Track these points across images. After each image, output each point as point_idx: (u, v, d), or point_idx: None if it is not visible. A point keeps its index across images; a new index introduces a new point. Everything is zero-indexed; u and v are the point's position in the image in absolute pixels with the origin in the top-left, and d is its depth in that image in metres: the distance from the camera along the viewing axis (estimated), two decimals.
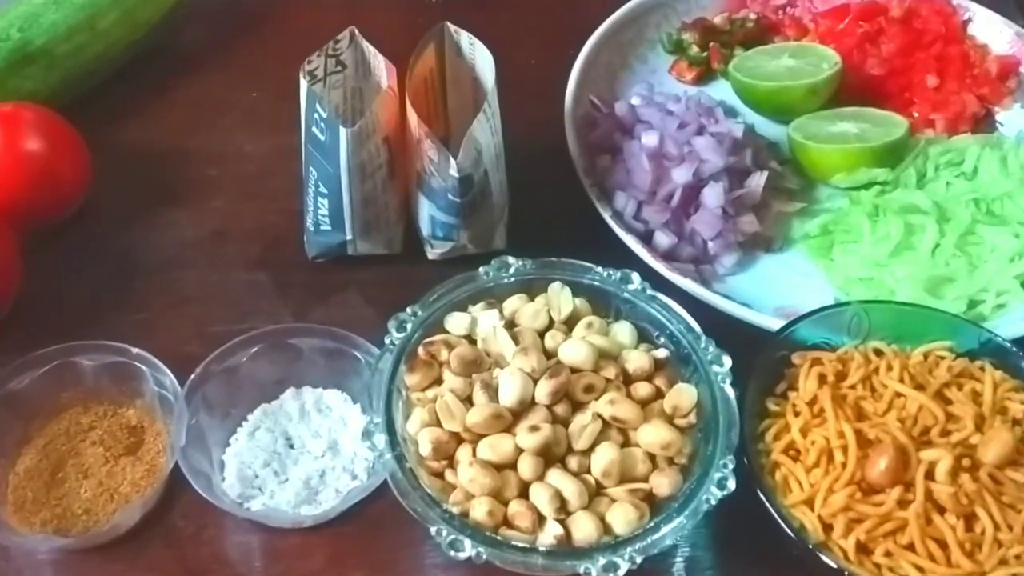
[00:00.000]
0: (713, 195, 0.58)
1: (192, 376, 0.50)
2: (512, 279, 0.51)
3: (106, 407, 0.53)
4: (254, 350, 0.52)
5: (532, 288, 0.51)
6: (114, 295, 0.58)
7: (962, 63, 0.69)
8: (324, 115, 0.52)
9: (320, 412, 0.53)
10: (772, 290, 0.58)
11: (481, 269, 0.51)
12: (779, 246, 0.61)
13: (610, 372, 0.47)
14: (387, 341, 0.48)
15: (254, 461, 0.51)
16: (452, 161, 0.52)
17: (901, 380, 0.48)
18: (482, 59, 0.56)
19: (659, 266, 0.56)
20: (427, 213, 0.57)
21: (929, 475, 0.44)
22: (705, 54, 0.70)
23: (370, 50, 0.56)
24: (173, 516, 0.50)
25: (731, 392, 0.47)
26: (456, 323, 0.49)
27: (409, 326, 0.49)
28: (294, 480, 0.50)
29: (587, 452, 0.45)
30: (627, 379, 0.48)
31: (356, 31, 0.56)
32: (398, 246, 0.59)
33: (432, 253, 0.59)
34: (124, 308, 0.58)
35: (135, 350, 0.52)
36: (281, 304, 0.59)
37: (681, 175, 0.58)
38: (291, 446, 0.52)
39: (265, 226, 0.62)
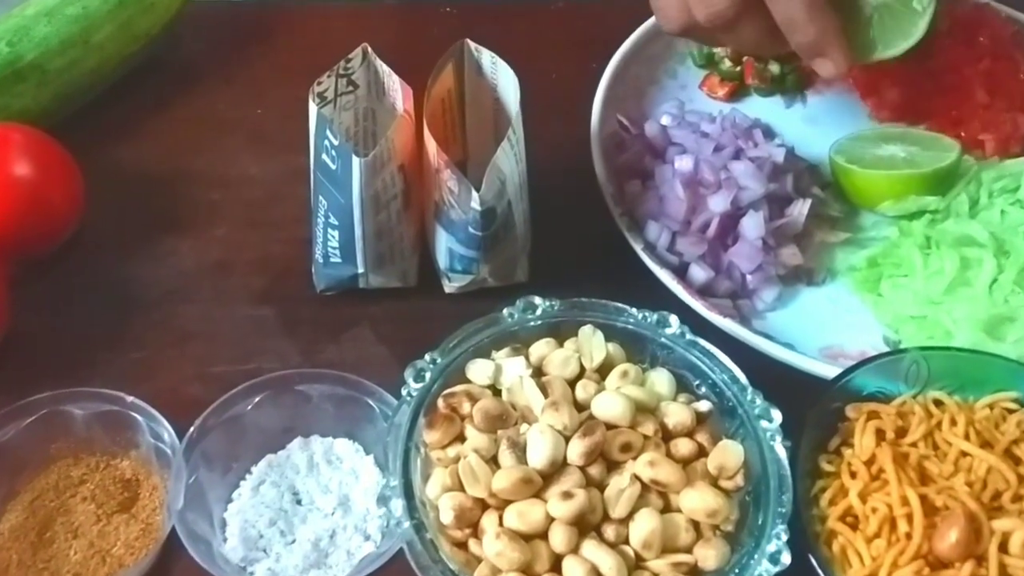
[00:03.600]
0: (753, 225, 0.54)
1: (191, 429, 0.46)
2: (539, 322, 0.47)
3: (99, 458, 0.49)
4: (258, 399, 0.48)
5: (560, 331, 0.47)
6: (109, 332, 0.54)
7: (1013, 80, 0.65)
8: (335, 142, 0.48)
9: (330, 464, 0.49)
10: (816, 327, 0.54)
11: (505, 311, 0.47)
12: (822, 279, 0.57)
13: (648, 428, 0.43)
14: (404, 392, 0.44)
15: (259, 520, 0.47)
16: (474, 193, 0.48)
17: (967, 436, 0.44)
18: (505, 80, 0.52)
19: (696, 304, 0.52)
20: (445, 245, 0.53)
21: (1003, 547, 0.40)
22: (739, 68, 0.66)
23: (384, 69, 0.52)
24: None
25: (782, 451, 0.43)
26: (479, 371, 0.45)
27: (428, 375, 0.45)
28: (302, 541, 0.46)
29: (625, 520, 0.41)
30: (666, 434, 0.44)
31: (369, 48, 0.52)
32: (413, 279, 0.55)
33: (450, 287, 0.55)
34: (120, 346, 0.54)
35: (130, 398, 0.48)
36: (288, 342, 0.54)
37: (718, 203, 0.54)
38: (299, 502, 0.48)
39: (271, 256, 0.58)
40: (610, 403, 0.43)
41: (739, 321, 0.52)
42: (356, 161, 0.48)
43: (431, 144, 0.49)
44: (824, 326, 0.54)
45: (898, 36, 0.54)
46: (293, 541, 0.46)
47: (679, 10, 0.52)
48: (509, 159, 0.49)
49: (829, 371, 0.48)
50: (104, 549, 0.46)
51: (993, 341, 0.51)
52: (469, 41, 0.53)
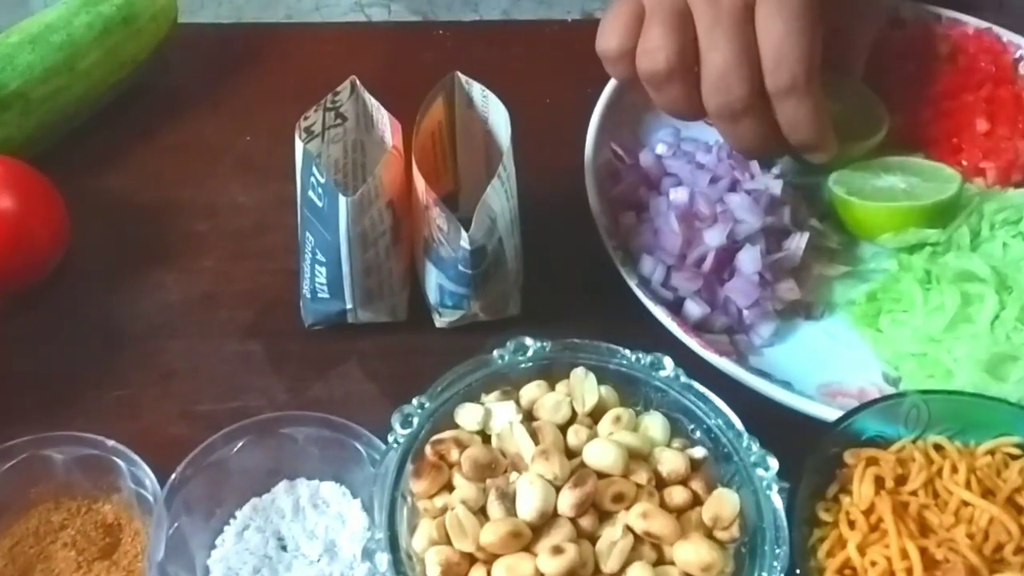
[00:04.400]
0: (749, 260, 0.53)
1: (173, 476, 0.45)
2: (529, 363, 0.46)
3: (79, 502, 0.48)
4: (242, 443, 0.47)
5: (552, 373, 0.46)
6: (93, 369, 0.53)
7: (1014, 106, 0.64)
8: (322, 180, 0.47)
9: (316, 508, 0.48)
10: (814, 363, 0.53)
11: (495, 352, 0.46)
12: (820, 313, 0.56)
13: (641, 476, 0.42)
14: (391, 439, 0.43)
15: (242, 567, 0.45)
16: (463, 233, 0.47)
17: (968, 485, 0.42)
18: (496, 114, 0.51)
19: (691, 341, 0.51)
20: (435, 281, 0.52)
21: None
22: None
23: (372, 103, 0.51)
24: None
25: (778, 501, 0.42)
26: (468, 416, 0.44)
27: (415, 420, 0.43)
28: None
29: (617, 574, 0.40)
30: (660, 482, 0.43)
31: (357, 81, 0.51)
32: (403, 314, 0.54)
33: (440, 321, 0.54)
34: (103, 384, 0.53)
35: (110, 442, 0.46)
36: (275, 379, 0.53)
37: (714, 237, 0.53)
38: (284, 548, 0.47)
39: (259, 288, 0.57)
40: (602, 451, 0.42)
41: (735, 358, 0.51)
42: (343, 200, 0.47)
43: (420, 182, 0.48)
44: (823, 362, 0.53)
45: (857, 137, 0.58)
46: None
47: (687, 101, 0.52)
48: (500, 196, 0.48)
49: (827, 412, 0.47)
50: None
51: (995, 381, 0.50)
52: (459, 74, 0.52)
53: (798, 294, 0.54)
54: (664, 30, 0.50)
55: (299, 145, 0.48)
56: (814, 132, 0.52)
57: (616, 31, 0.52)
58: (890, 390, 0.52)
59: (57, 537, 0.47)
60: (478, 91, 0.52)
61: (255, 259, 0.59)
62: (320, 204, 0.48)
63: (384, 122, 0.51)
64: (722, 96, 0.50)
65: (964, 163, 0.62)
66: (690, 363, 0.47)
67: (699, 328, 0.53)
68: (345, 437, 0.47)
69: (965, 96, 0.64)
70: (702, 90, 0.51)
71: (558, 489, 0.41)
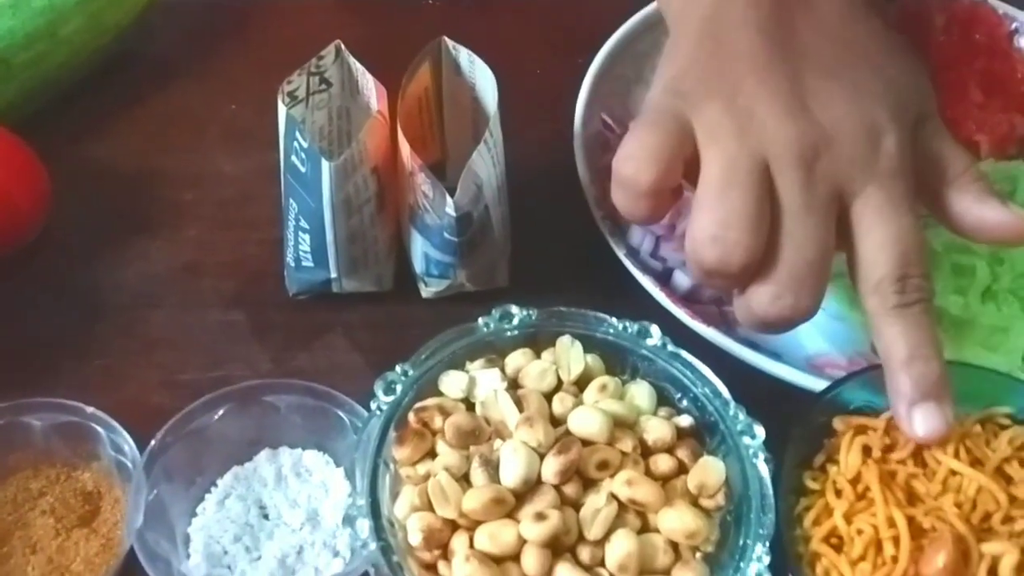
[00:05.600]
0: None
1: (152, 443, 0.45)
2: (515, 331, 0.45)
3: (59, 470, 0.47)
4: (223, 410, 0.46)
5: (538, 341, 0.46)
6: (73, 338, 0.53)
7: (1009, 79, 0.63)
8: (305, 145, 0.46)
9: (299, 477, 0.47)
10: (803, 335, 0.52)
11: (481, 320, 0.45)
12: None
13: (627, 444, 0.42)
14: (374, 406, 0.42)
15: (223, 535, 0.45)
16: (449, 199, 0.46)
17: (956, 454, 0.42)
18: (483, 79, 0.50)
19: (679, 311, 0.50)
20: (421, 250, 0.51)
21: (992, 572, 0.39)
22: None
23: (358, 67, 0.50)
24: None
25: (765, 469, 0.41)
26: (452, 384, 0.44)
27: (399, 388, 0.43)
28: (268, 558, 0.44)
29: (601, 541, 0.39)
30: (645, 450, 0.42)
31: (342, 46, 0.50)
32: (388, 283, 0.54)
33: (426, 291, 0.53)
34: (84, 353, 0.52)
35: (90, 409, 0.46)
36: (259, 349, 0.53)
37: None
38: (265, 517, 0.46)
39: (243, 258, 0.56)
40: (587, 419, 0.41)
41: (724, 329, 0.50)
42: (326, 165, 0.46)
43: (405, 147, 0.48)
44: (811, 333, 0.53)
45: None
46: (259, 558, 0.45)
47: (730, 290, 0.43)
48: (486, 162, 0.47)
49: (815, 383, 0.47)
50: (63, 565, 0.44)
51: (986, 352, 0.49)
52: (446, 39, 0.51)
53: None
54: (747, 210, 0.38)
55: (282, 110, 0.47)
56: (935, 354, 0.41)
57: (657, 160, 0.40)
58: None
59: (35, 504, 0.46)
60: (465, 57, 0.51)
61: (239, 229, 0.58)
62: (303, 170, 0.47)
63: (369, 87, 0.50)
64: (790, 301, 0.39)
65: (957, 136, 0.61)
66: (678, 335, 0.46)
67: (688, 299, 0.52)
68: (328, 405, 0.47)
69: (959, 69, 0.63)
70: (764, 286, 0.40)
71: (542, 457, 0.40)
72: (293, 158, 0.47)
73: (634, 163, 0.41)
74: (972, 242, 0.46)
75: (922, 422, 0.40)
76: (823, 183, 0.40)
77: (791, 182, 0.40)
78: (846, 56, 0.44)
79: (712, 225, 0.39)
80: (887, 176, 0.41)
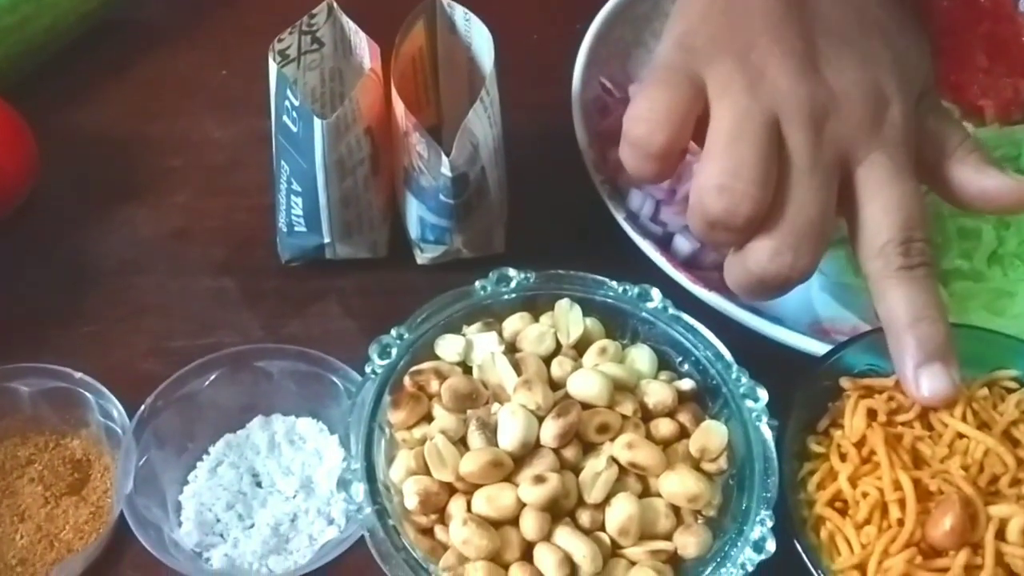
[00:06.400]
0: None
1: (142, 407, 0.44)
2: (513, 295, 0.44)
3: (47, 437, 0.46)
4: (214, 375, 0.45)
5: (536, 305, 0.45)
6: (60, 305, 0.51)
7: (1013, 44, 0.62)
8: (296, 103, 0.45)
9: (292, 444, 0.46)
10: (805, 301, 0.52)
11: (477, 283, 0.44)
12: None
13: (627, 407, 0.41)
14: (368, 369, 0.41)
15: (215, 503, 0.44)
16: (444, 159, 0.45)
17: (963, 417, 0.41)
18: (479, 38, 0.49)
19: (680, 276, 0.49)
20: (416, 214, 0.50)
21: (1000, 534, 0.38)
22: None
23: (350, 26, 0.49)
24: (123, 567, 0.43)
25: (768, 432, 0.40)
26: (448, 347, 0.43)
27: (394, 351, 0.42)
28: (261, 526, 0.44)
29: (601, 505, 0.39)
30: (646, 414, 0.42)
31: (335, 3, 0.49)
32: (383, 249, 0.53)
33: (422, 258, 0.52)
34: (72, 320, 0.51)
35: (78, 374, 0.45)
36: (250, 315, 0.52)
37: None
38: (258, 484, 0.45)
39: (233, 225, 0.55)
40: (587, 382, 0.41)
41: (725, 294, 0.49)
42: (318, 123, 0.45)
43: (399, 105, 0.46)
44: (814, 300, 0.52)
45: None
46: (252, 525, 0.44)
47: (733, 245, 0.41)
48: (482, 121, 0.46)
49: (819, 348, 0.46)
50: (52, 533, 0.43)
51: (992, 316, 0.48)
52: None
53: None
54: (756, 162, 0.38)
55: (273, 68, 0.46)
56: (940, 316, 0.40)
57: (670, 121, 0.39)
58: None
59: (24, 472, 0.45)
60: (460, 14, 0.50)
61: (229, 195, 0.57)
62: (295, 129, 0.46)
63: (363, 46, 0.49)
64: (789, 258, 0.39)
65: (962, 101, 0.60)
66: (679, 301, 0.45)
67: (689, 264, 0.51)
68: (322, 371, 0.46)
69: (964, 33, 0.62)
70: (764, 241, 0.39)
71: (541, 420, 0.39)
72: (285, 118, 0.46)
73: (646, 124, 0.40)
74: (975, 213, 0.46)
75: (928, 384, 0.40)
76: (830, 145, 0.40)
77: (800, 140, 0.39)
78: (858, 23, 0.43)
79: (721, 175, 0.38)
80: (892, 144, 0.41)
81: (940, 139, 0.44)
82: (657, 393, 0.41)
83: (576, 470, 0.39)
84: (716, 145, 0.39)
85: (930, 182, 0.44)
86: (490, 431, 0.39)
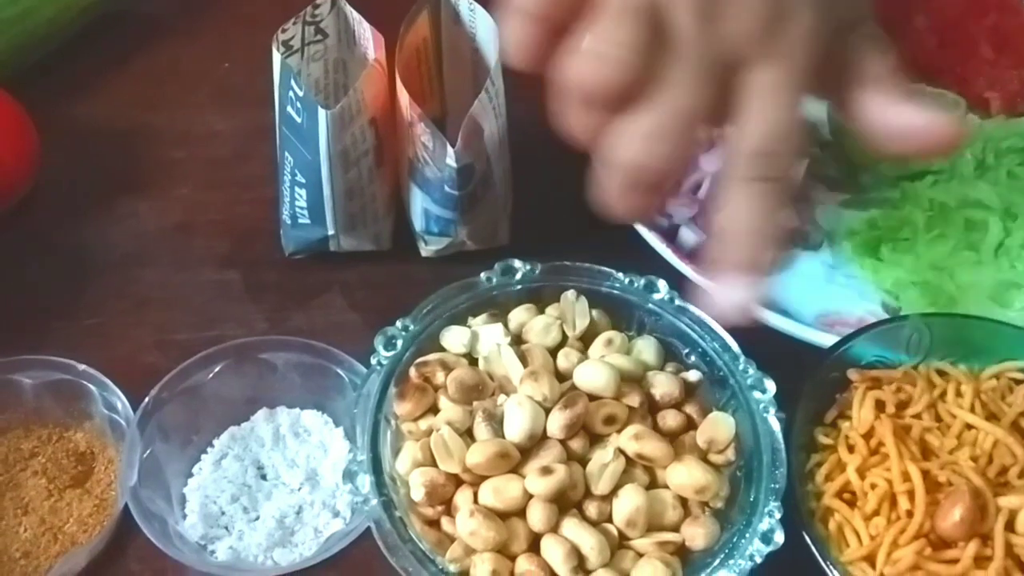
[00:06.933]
0: None
1: (146, 400, 0.43)
2: (518, 286, 0.44)
3: (51, 430, 0.46)
4: (219, 367, 0.45)
5: (542, 297, 0.44)
6: (62, 297, 0.51)
7: (1019, 35, 0.62)
8: (300, 93, 0.45)
9: (297, 437, 0.46)
10: (812, 293, 0.52)
11: (483, 275, 0.44)
12: (819, 242, 0.54)
13: (634, 399, 0.40)
14: (374, 361, 0.41)
15: (220, 495, 0.44)
16: (449, 149, 0.45)
17: (972, 408, 0.41)
18: (484, 28, 0.49)
19: (685, 268, 0.49)
20: (420, 206, 0.50)
21: (1009, 525, 0.38)
22: None
23: (354, 16, 0.49)
24: (127, 559, 0.43)
25: (776, 423, 0.40)
26: (454, 339, 0.42)
27: (399, 343, 0.42)
28: (266, 518, 0.43)
29: (608, 496, 0.38)
30: (653, 406, 0.41)
31: None
32: (387, 242, 0.52)
33: (426, 250, 0.52)
34: (74, 313, 0.51)
35: (81, 366, 0.45)
36: (253, 308, 0.51)
37: (711, 162, 0.51)
38: (263, 477, 0.45)
39: (236, 217, 0.55)
40: (593, 373, 0.40)
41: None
42: (322, 114, 0.45)
43: (403, 96, 0.46)
44: (821, 292, 0.52)
45: None
46: (257, 518, 0.44)
47: (599, 134, 0.37)
48: (487, 112, 0.46)
49: (826, 339, 0.46)
50: (56, 526, 0.43)
51: (999, 308, 0.48)
52: None
53: (796, 222, 0.52)
54: (634, 35, 0.36)
55: (277, 58, 0.46)
56: (770, 234, 0.38)
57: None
58: None
59: (27, 465, 0.45)
60: (465, 5, 0.49)
61: (232, 188, 0.56)
62: (299, 120, 0.46)
63: (367, 37, 0.49)
64: (659, 146, 0.36)
65: (968, 93, 0.60)
66: (685, 292, 0.45)
67: (694, 256, 0.51)
68: (327, 363, 0.46)
69: (970, 25, 0.62)
70: (635, 124, 0.36)
71: (547, 411, 0.39)
72: (289, 109, 0.46)
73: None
74: (886, 151, 0.41)
75: (730, 292, 0.38)
76: (718, 42, 0.38)
77: (686, 26, 0.37)
78: None
79: (597, 42, 0.36)
80: (784, 56, 0.38)
81: (863, 66, 0.41)
82: (664, 385, 0.41)
83: (583, 461, 0.39)
84: (599, 18, 0.36)
85: (843, 112, 0.42)
86: (496, 422, 0.39)
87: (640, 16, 0.37)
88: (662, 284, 0.44)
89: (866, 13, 0.43)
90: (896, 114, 0.40)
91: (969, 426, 0.41)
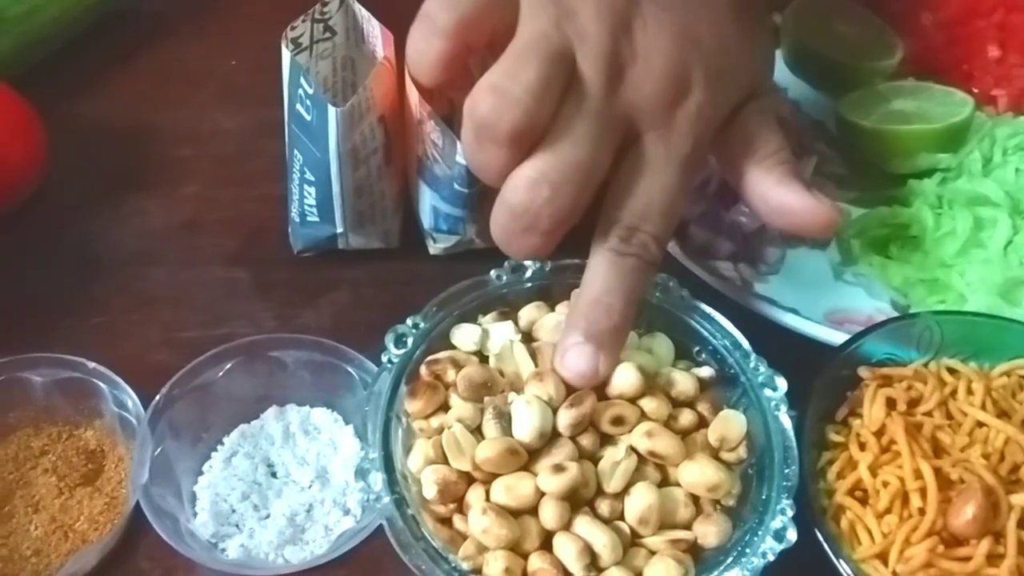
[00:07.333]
0: None
1: (157, 397, 0.43)
2: (528, 284, 0.44)
3: (60, 428, 0.46)
4: (229, 365, 0.45)
5: (552, 294, 0.44)
6: (70, 295, 0.51)
7: None
8: (310, 91, 0.45)
9: (307, 434, 0.46)
10: (821, 291, 0.52)
11: (493, 272, 0.44)
12: (827, 240, 0.54)
13: (653, 403, 0.40)
14: (384, 359, 0.41)
15: (231, 493, 0.44)
16: (459, 146, 0.45)
17: (983, 406, 0.41)
18: None
19: (694, 266, 0.49)
20: (429, 204, 0.50)
21: (1022, 523, 0.38)
22: None
23: (363, 13, 0.49)
24: (137, 557, 0.43)
25: (787, 421, 0.40)
26: (465, 337, 0.42)
27: (410, 341, 0.42)
28: (277, 516, 0.43)
29: (620, 494, 0.38)
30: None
31: None
32: (395, 240, 0.52)
33: (434, 248, 0.52)
34: (82, 311, 0.51)
35: (91, 364, 0.45)
36: (262, 306, 0.51)
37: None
38: (273, 475, 0.45)
39: (244, 215, 0.55)
40: (621, 374, 0.40)
41: (740, 284, 0.49)
42: (332, 111, 0.44)
43: (413, 93, 0.46)
44: (829, 289, 0.52)
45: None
46: (267, 516, 0.44)
47: (500, 171, 0.38)
48: None
49: (836, 337, 0.46)
50: (66, 524, 0.43)
51: (1008, 305, 0.48)
52: None
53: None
54: (538, 77, 0.36)
55: (286, 55, 0.46)
56: (621, 308, 0.39)
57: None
58: None
59: (37, 463, 0.45)
60: None
61: (239, 186, 0.56)
62: (308, 118, 0.46)
63: (375, 34, 0.49)
64: (546, 192, 0.37)
65: (975, 90, 0.60)
66: (694, 290, 0.45)
67: (703, 254, 0.51)
68: (337, 361, 0.46)
69: (976, 22, 0.62)
70: (526, 169, 0.37)
71: (555, 411, 0.39)
72: (298, 106, 0.46)
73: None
74: (774, 228, 0.43)
75: (574, 359, 0.39)
76: (618, 104, 0.38)
77: (591, 82, 0.38)
78: (693, 3, 0.41)
79: (498, 76, 0.36)
80: (676, 131, 0.39)
81: (755, 144, 0.42)
82: (681, 383, 0.41)
83: (595, 460, 0.39)
84: (505, 55, 0.37)
85: (737, 187, 0.43)
86: (506, 420, 0.39)
87: (549, 60, 0.37)
88: (672, 282, 0.44)
89: (762, 90, 0.44)
90: (778, 195, 0.42)
91: (980, 424, 0.41)
